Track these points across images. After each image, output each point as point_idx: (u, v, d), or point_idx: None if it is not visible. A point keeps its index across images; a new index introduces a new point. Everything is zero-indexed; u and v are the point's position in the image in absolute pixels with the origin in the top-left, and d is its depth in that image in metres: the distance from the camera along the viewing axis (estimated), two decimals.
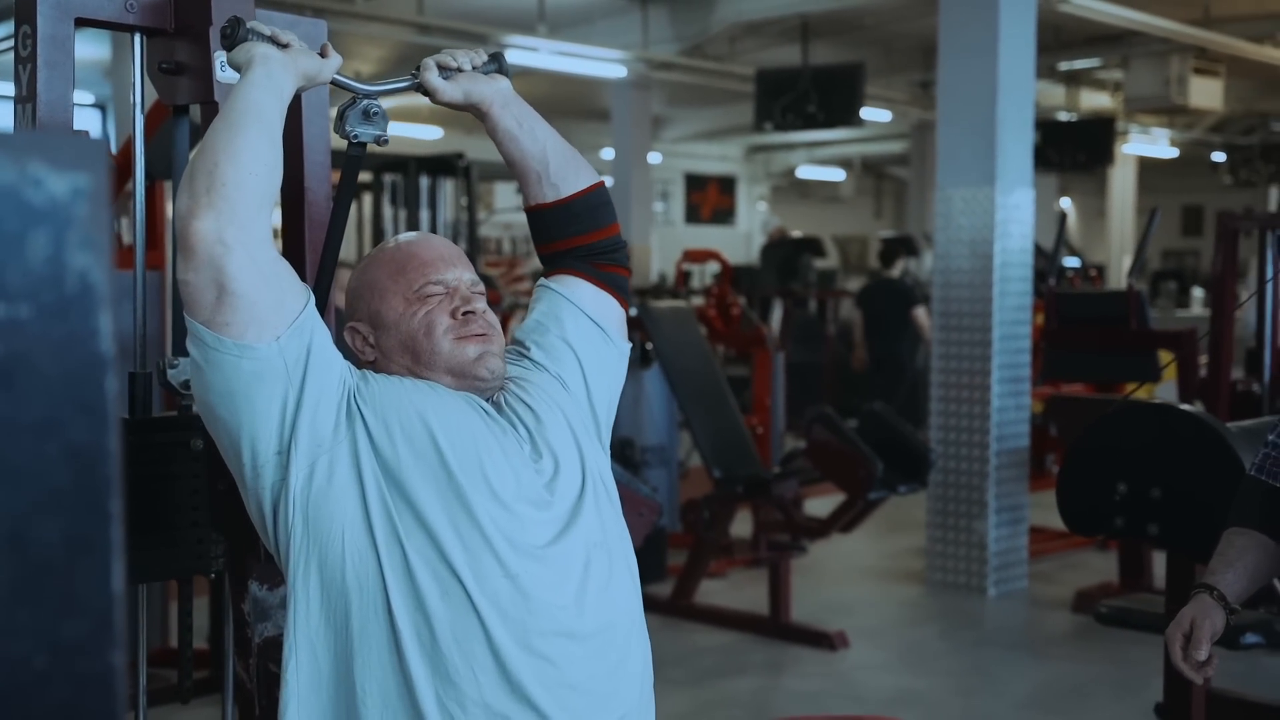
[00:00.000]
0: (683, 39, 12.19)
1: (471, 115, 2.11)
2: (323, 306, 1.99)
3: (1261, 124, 17.49)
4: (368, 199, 10.34)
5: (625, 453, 6.21)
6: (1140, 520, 2.86)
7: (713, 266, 10.39)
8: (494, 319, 2.04)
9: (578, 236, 2.14)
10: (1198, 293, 17.95)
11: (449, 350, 1.96)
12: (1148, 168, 18.94)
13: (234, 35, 1.96)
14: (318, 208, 2.49)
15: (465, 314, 1.97)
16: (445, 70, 2.09)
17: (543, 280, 2.18)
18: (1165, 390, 7.92)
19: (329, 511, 1.80)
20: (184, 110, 2.45)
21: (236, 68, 1.91)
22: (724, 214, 23.20)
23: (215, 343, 1.74)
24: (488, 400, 1.99)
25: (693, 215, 22.69)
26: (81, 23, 2.31)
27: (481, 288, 2.07)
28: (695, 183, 22.80)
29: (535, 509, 1.88)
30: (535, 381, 2.05)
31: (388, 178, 9.91)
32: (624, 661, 1.90)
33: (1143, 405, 2.92)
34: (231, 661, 2.33)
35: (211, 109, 2.29)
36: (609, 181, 14.41)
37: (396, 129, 15.32)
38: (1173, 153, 18.16)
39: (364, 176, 10.74)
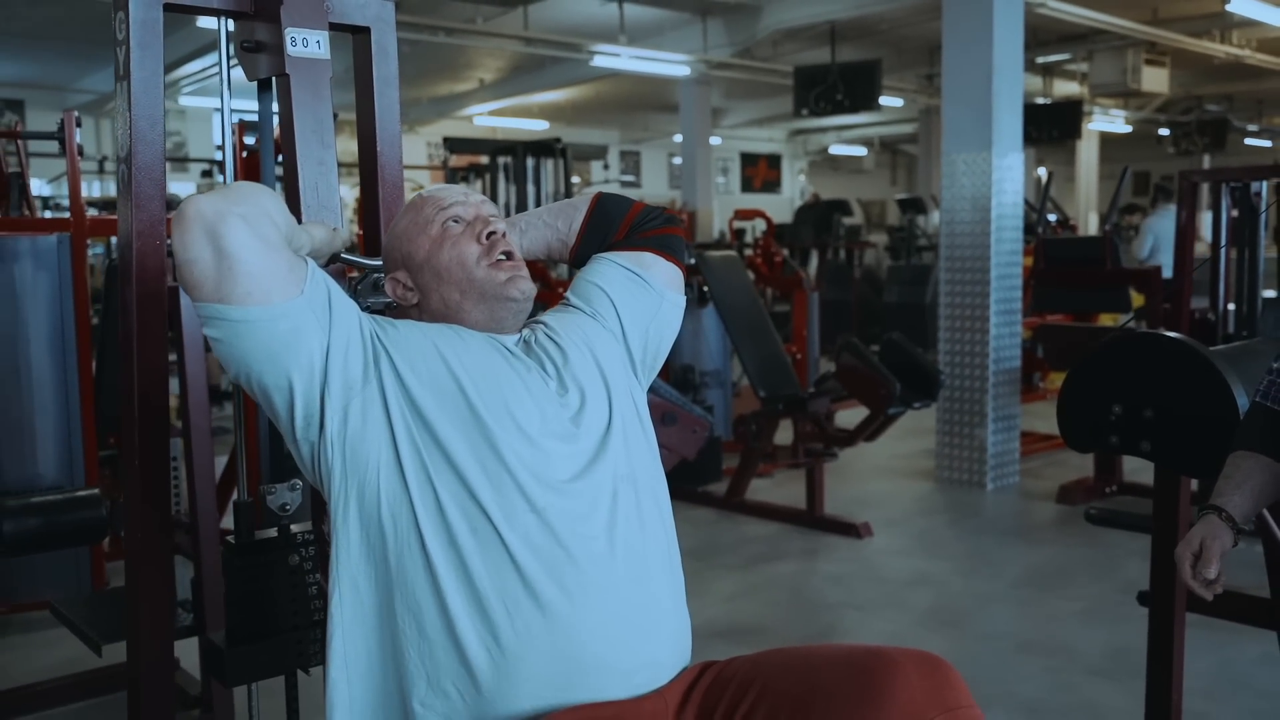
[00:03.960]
0: (735, 44, 11.85)
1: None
2: None
3: (1198, 105, 16.97)
4: (485, 177, 10.06)
5: (687, 376, 5.87)
6: (1134, 438, 2.45)
7: (761, 224, 9.96)
8: (515, 243, 1.68)
9: (612, 237, 1.79)
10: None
11: (484, 276, 1.60)
12: (1107, 141, 18.43)
13: None
14: (391, 170, 2.13)
15: (489, 235, 1.62)
16: None
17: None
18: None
19: (364, 453, 1.44)
20: (266, 85, 2.09)
21: None
22: (771, 184, 22.70)
23: (244, 314, 1.38)
24: (519, 339, 1.62)
25: (747, 186, 22.22)
26: (170, 8, 1.96)
27: (499, 214, 1.70)
28: (749, 160, 22.33)
29: (562, 442, 1.50)
30: (568, 322, 1.69)
31: (501, 160, 9.58)
32: (658, 589, 1.52)
33: (1136, 334, 2.50)
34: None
35: (285, 81, 1.94)
36: (677, 161, 14.26)
37: (513, 123, 15.31)
38: (1127, 129, 17.63)
39: (480, 159, 10.47)
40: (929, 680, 1.34)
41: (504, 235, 1.65)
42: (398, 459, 1.44)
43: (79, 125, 4.23)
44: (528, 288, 1.63)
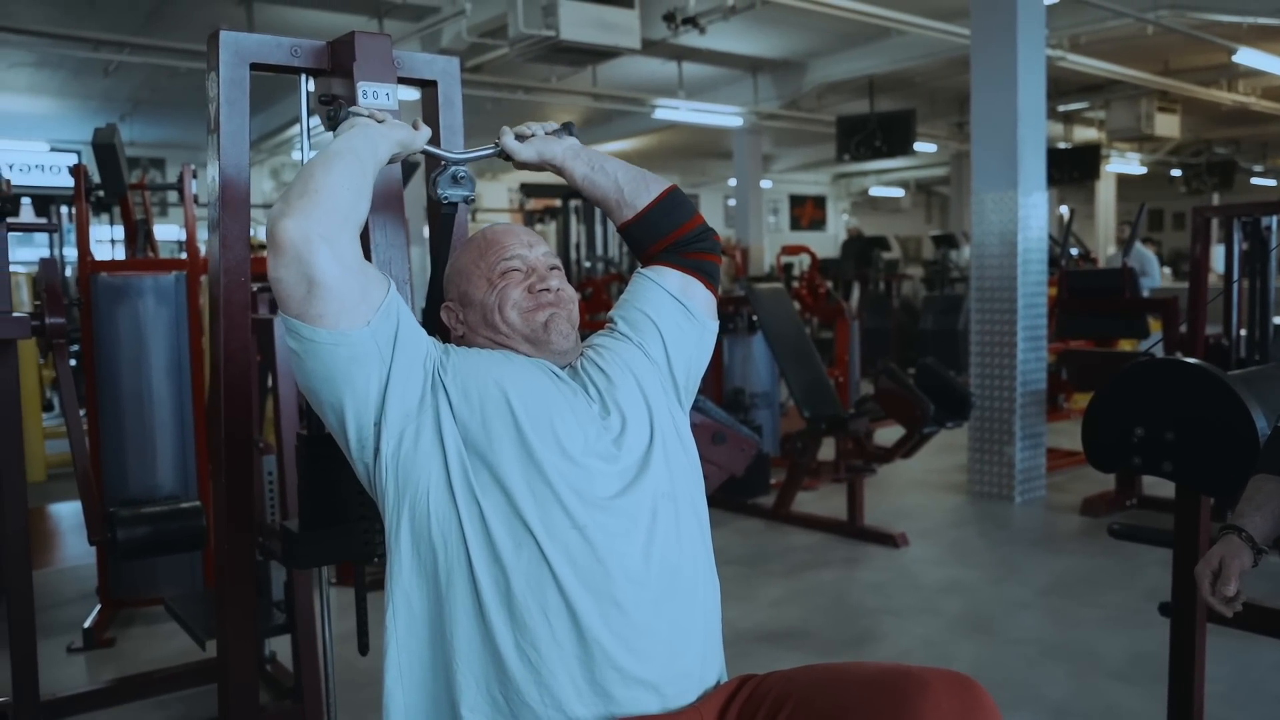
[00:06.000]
0: (783, 96, 11.76)
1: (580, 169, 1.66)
2: (431, 331, 1.56)
3: (1207, 148, 16.59)
4: (559, 218, 10.04)
5: (738, 398, 5.74)
6: (1156, 459, 2.30)
7: (807, 258, 9.81)
8: (571, 293, 1.58)
9: (663, 239, 1.66)
10: (1166, 270, 17.00)
11: (519, 322, 1.51)
12: (1124, 181, 17.98)
13: (337, 116, 1.61)
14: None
15: (540, 290, 1.52)
16: (521, 138, 1.67)
17: (638, 269, 1.71)
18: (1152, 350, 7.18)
19: (415, 475, 1.36)
20: None
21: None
22: (818, 223, 22.44)
23: (313, 334, 1.32)
24: (565, 365, 1.53)
25: (795, 224, 21.99)
26: (256, 67, 1.91)
27: (559, 266, 1.60)
28: (797, 201, 22.10)
29: (604, 462, 1.41)
30: (614, 348, 1.58)
31: (572, 203, 9.57)
32: (690, 605, 1.42)
33: (1157, 360, 2.34)
34: None
35: None
36: (732, 203, 14.08)
37: None
38: (1142, 170, 17.21)
39: (554, 202, 10.47)
40: (959, 701, 1.22)
41: (557, 290, 1.55)
42: (448, 479, 1.36)
43: (195, 177, 4.25)
44: (567, 330, 1.53)
